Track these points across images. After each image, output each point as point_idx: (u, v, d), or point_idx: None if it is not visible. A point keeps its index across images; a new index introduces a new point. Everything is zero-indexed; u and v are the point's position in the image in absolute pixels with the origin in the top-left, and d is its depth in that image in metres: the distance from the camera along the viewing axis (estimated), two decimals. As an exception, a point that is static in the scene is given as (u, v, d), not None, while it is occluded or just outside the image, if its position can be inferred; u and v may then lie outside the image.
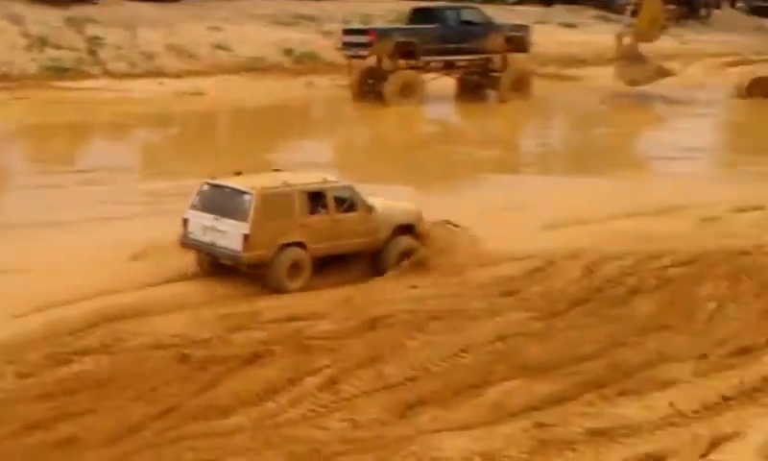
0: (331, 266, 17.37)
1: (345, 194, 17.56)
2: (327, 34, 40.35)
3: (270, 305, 15.91)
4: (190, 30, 40.28)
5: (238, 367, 13.28)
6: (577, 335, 14.74)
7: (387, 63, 34.62)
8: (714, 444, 11.40)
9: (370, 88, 34.82)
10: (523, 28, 36.73)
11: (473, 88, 36.48)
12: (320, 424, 11.94)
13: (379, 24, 39.14)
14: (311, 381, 12.98)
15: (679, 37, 41.15)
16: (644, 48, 37.00)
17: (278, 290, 16.62)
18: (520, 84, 35.44)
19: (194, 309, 15.60)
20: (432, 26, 34.87)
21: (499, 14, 37.60)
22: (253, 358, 13.56)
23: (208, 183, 17.34)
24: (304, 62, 39.10)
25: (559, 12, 46.27)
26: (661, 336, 14.69)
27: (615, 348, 14.25)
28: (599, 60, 41.46)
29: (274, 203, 16.79)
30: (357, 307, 15.71)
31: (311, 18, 41.53)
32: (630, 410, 12.19)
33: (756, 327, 14.90)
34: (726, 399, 12.51)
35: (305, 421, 12.08)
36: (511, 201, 22.51)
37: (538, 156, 30.54)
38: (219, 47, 39.48)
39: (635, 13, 37.55)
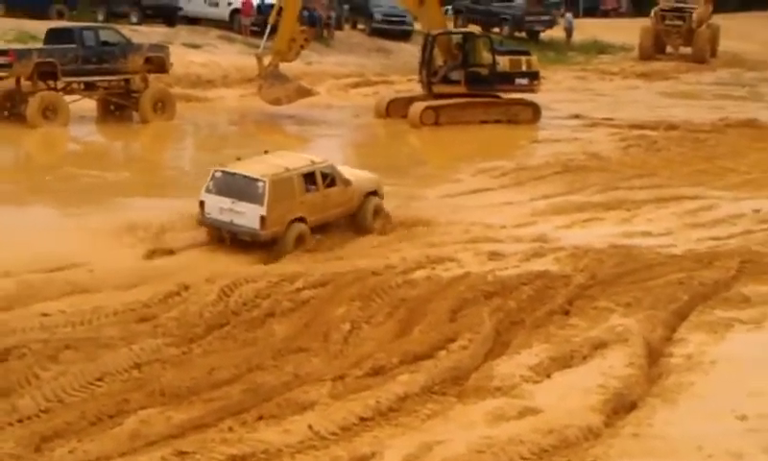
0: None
1: (327, 171, 21.17)
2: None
3: None
4: None
5: None
6: (215, 360, 14.77)
7: (26, 85, 33.60)
8: (353, 465, 11.68)
9: (10, 111, 33.71)
10: (162, 48, 36.40)
11: (116, 109, 35.92)
12: (-53, 463, 11.49)
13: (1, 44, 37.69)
14: (-63, 417, 12.49)
15: (304, 58, 41.61)
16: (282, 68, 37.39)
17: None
18: (163, 105, 35.16)
19: None
20: (71, 46, 34.09)
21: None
22: None
23: (221, 171, 20.39)
24: None
25: (182, 32, 45.88)
26: (298, 358, 14.91)
27: (253, 371, 14.38)
28: (226, 82, 41.50)
29: (281, 186, 20.08)
30: (-14, 339, 15.14)
31: (-76, 37, 39.22)
32: (269, 435, 12.32)
33: (389, 347, 15.32)
34: (363, 419, 12.82)
35: (-69, 460, 11.59)
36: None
37: (169, 178, 30.20)
38: None
39: (272, 34, 37.81)
